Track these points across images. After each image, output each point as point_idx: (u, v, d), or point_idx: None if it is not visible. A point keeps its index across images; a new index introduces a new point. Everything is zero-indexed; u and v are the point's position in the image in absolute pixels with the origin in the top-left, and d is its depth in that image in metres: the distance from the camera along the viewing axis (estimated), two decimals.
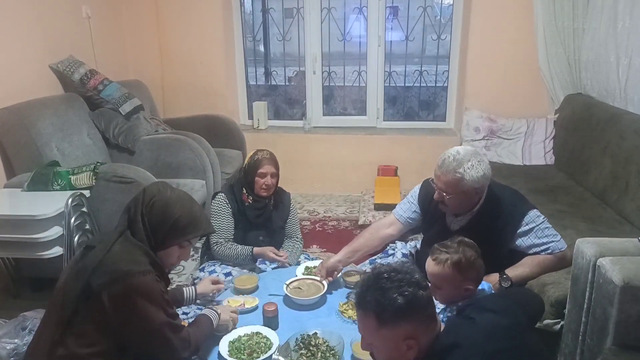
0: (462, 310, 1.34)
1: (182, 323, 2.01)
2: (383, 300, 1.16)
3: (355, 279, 2.11)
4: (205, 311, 1.73)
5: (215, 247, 2.36)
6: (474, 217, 1.93)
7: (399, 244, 2.36)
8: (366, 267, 2.35)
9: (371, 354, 1.26)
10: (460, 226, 1.96)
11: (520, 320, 1.29)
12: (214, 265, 2.36)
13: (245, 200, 2.38)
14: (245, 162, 2.43)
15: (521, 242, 1.89)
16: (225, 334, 1.75)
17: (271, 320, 1.82)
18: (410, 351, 1.18)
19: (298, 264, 2.36)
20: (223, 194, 2.41)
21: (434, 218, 2.03)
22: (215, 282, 2.01)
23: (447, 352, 1.15)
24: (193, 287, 1.96)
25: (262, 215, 2.41)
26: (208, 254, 2.44)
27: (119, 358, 1.45)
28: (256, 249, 2.32)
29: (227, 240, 2.38)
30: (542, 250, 1.88)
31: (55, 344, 1.39)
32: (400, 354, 1.18)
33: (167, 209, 1.52)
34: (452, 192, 1.82)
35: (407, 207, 2.13)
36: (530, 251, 1.89)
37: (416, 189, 2.14)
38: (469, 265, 1.55)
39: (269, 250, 2.29)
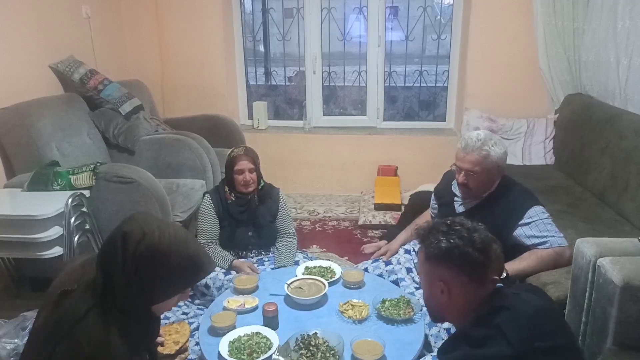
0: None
1: (182, 323, 2.02)
2: (432, 239, 1.30)
3: (355, 278, 2.11)
4: None
5: None
6: (481, 202, 2.01)
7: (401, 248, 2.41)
8: (367, 265, 2.37)
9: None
10: (466, 208, 2.05)
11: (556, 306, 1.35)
12: None
13: (228, 198, 2.40)
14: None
15: (522, 231, 1.91)
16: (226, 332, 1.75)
17: (271, 320, 1.82)
18: (442, 295, 1.28)
19: (297, 263, 2.37)
20: (208, 195, 2.47)
21: (444, 202, 2.17)
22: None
23: (495, 312, 1.20)
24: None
25: (246, 212, 2.42)
26: None
27: None
28: (235, 262, 2.34)
29: (211, 241, 2.40)
30: (540, 243, 1.90)
31: None
32: (434, 292, 1.31)
33: (161, 258, 1.19)
34: (479, 169, 1.92)
35: (433, 202, 2.35)
36: (529, 242, 1.90)
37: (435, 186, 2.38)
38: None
39: (246, 266, 2.31)
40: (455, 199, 2.11)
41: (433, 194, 2.36)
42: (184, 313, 2.31)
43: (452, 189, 2.12)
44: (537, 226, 1.90)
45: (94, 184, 2.46)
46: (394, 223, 3.42)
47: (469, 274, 1.26)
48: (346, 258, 3.03)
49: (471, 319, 1.24)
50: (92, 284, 1.23)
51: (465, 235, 1.27)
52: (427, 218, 2.45)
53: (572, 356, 1.25)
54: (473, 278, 1.27)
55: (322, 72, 4.31)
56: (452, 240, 1.27)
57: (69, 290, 1.23)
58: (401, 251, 2.33)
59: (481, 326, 1.20)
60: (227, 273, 2.30)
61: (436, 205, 2.31)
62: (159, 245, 1.19)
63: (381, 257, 2.38)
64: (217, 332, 1.79)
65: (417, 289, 2.15)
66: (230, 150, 2.48)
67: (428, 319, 1.86)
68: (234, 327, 1.80)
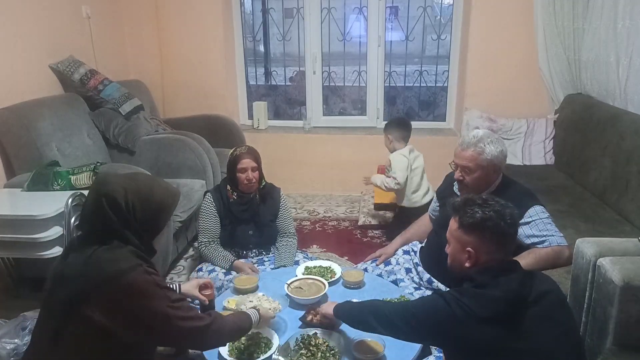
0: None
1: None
2: (467, 210, 1.42)
3: (355, 278, 2.11)
4: (248, 310, 1.67)
5: (201, 247, 2.42)
6: None
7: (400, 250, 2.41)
8: (367, 265, 2.37)
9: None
10: None
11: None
12: (213, 264, 2.37)
13: (230, 197, 2.41)
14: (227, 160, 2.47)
15: (521, 231, 1.91)
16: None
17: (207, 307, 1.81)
18: (468, 260, 1.42)
19: (297, 263, 2.37)
20: (210, 194, 2.47)
21: (445, 201, 2.15)
22: (203, 287, 1.84)
23: (503, 271, 1.37)
24: (178, 284, 1.81)
25: (247, 210, 2.43)
26: (205, 254, 2.45)
27: (129, 357, 1.36)
28: (236, 262, 2.33)
29: (212, 240, 2.41)
30: (539, 242, 1.89)
31: None
32: (461, 258, 1.44)
33: (149, 201, 1.39)
34: (473, 166, 1.94)
35: (434, 201, 2.39)
36: (529, 241, 1.90)
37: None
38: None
39: (247, 266, 2.31)
40: (457, 198, 2.11)
41: (435, 195, 2.37)
42: None
43: (454, 189, 2.12)
44: (536, 225, 1.90)
45: None
46: None
47: (496, 243, 1.39)
48: (346, 258, 3.03)
49: (482, 268, 1.39)
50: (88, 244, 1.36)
51: (499, 209, 1.40)
52: (424, 222, 2.44)
53: (572, 336, 1.38)
54: (499, 248, 1.40)
55: (322, 72, 4.31)
56: (487, 212, 1.39)
57: (65, 253, 1.39)
58: (400, 252, 2.33)
59: (487, 275, 1.36)
60: (227, 273, 2.30)
61: (438, 207, 2.31)
62: (141, 191, 1.39)
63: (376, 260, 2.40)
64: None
65: (416, 289, 2.16)
66: (233, 149, 2.48)
67: None
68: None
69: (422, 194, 3.09)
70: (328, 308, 1.73)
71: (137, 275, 1.29)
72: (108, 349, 1.31)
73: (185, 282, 1.94)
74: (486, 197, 1.47)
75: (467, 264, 1.42)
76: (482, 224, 1.39)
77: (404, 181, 3.02)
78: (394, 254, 2.36)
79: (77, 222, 2.31)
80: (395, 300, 1.92)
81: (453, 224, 1.48)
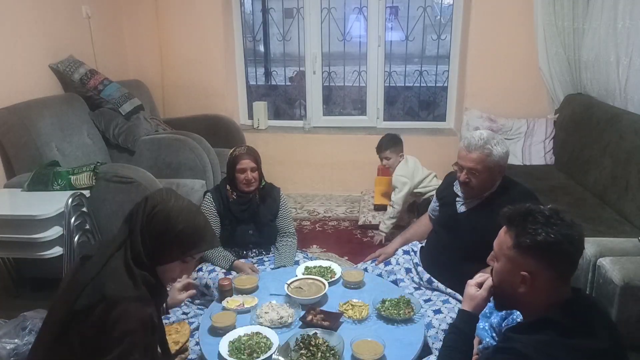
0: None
1: (182, 323, 2.02)
2: (528, 227, 1.19)
3: (355, 278, 2.11)
4: None
5: None
6: (482, 202, 2.01)
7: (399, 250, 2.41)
8: (367, 265, 2.37)
9: (491, 271, 1.32)
10: (467, 208, 2.05)
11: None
12: (213, 264, 2.37)
13: (229, 197, 2.41)
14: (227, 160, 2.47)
15: None
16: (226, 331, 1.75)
17: (225, 294, 1.96)
18: (522, 285, 1.20)
19: (297, 263, 2.37)
20: (210, 193, 2.48)
21: (445, 203, 2.18)
22: (186, 288, 1.79)
23: (586, 308, 1.18)
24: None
25: (247, 210, 2.43)
26: (205, 254, 2.45)
27: None
28: (236, 262, 2.34)
29: None
30: None
31: None
32: (513, 281, 1.22)
33: (170, 220, 1.38)
34: (481, 168, 1.93)
35: (434, 202, 2.36)
36: None
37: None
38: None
39: (247, 266, 2.31)
40: (457, 199, 2.11)
41: (435, 196, 2.37)
42: (184, 313, 2.31)
43: (454, 189, 2.12)
44: None
45: (94, 184, 2.46)
46: None
47: (559, 270, 1.19)
48: (346, 258, 3.03)
49: (554, 309, 1.18)
50: (110, 242, 1.40)
51: (567, 232, 1.18)
52: (424, 222, 2.43)
53: None
54: (562, 275, 1.20)
55: (322, 72, 4.31)
56: (552, 235, 1.17)
57: (89, 256, 1.40)
58: (400, 252, 2.33)
59: (575, 317, 1.15)
60: (227, 273, 2.29)
61: (437, 207, 2.31)
62: (171, 209, 1.39)
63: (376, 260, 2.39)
64: (217, 332, 1.79)
65: (416, 289, 2.15)
66: (232, 149, 2.49)
67: (427, 319, 1.87)
68: (234, 327, 1.80)
69: (430, 179, 3.20)
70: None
71: (131, 308, 1.26)
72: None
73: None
74: (550, 212, 1.22)
75: (520, 290, 1.21)
76: (545, 248, 1.17)
77: (401, 204, 3.14)
78: (394, 254, 2.35)
79: (77, 222, 2.31)
80: (395, 300, 1.92)
81: (506, 239, 1.25)
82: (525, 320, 1.27)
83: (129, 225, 1.39)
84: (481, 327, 1.52)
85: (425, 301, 2.03)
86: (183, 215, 1.40)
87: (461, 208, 2.09)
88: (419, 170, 3.20)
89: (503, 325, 1.44)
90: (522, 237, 1.19)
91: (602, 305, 1.28)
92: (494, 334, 1.47)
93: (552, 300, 1.19)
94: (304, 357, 1.60)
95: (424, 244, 2.31)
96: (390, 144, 3.24)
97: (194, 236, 1.41)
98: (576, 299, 1.19)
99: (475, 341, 1.56)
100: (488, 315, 1.53)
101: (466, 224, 2.04)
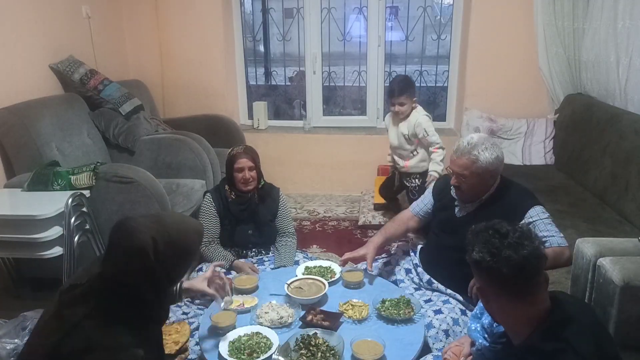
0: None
1: (182, 323, 2.02)
2: (473, 244, 1.22)
3: (355, 278, 2.11)
4: None
5: (201, 246, 2.39)
6: (481, 205, 1.99)
7: (400, 243, 2.41)
8: (367, 266, 2.37)
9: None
10: (466, 212, 2.03)
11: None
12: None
13: (228, 196, 2.41)
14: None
15: None
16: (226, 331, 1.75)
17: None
18: (484, 299, 1.25)
19: (297, 263, 2.37)
20: (209, 194, 2.49)
21: (444, 206, 2.15)
22: (212, 281, 1.78)
23: (560, 325, 1.15)
24: (180, 284, 1.68)
25: (246, 210, 2.43)
26: (205, 254, 2.45)
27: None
28: (236, 262, 2.34)
29: (212, 240, 2.41)
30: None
31: None
32: (480, 295, 1.26)
33: (179, 248, 1.30)
34: (468, 174, 1.91)
35: (423, 202, 2.27)
36: None
37: (433, 185, 2.33)
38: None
39: (247, 266, 2.31)
40: (456, 202, 2.09)
41: (431, 194, 2.33)
42: (184, 313, 2.30)
43: (452, 193, 2.10)
44: (537, 226, 1.90)
45: (94, 184, 2.46)
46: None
47: (502, 288, 1.18)
48: None
49: (535, 333, 1.17)
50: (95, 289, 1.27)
51: (494, 251, 1.17)
52: (404, 220, 2.30)
53: None
54: (512, 294, 1.18)
55: (322, 72, 4.31)
56: (480, 254, 1.18)
57: (74, 285, 1.29)
58: (400, 252, 2.33)
59: (549, 340, 1.13)
60: (227, 273, 2.29)
61: (431, 209, 2.24)
62: (172, 238, 1.28)
63: (380, 256, 2.39)
64: (217, 332, 1.79)
65: (416, 289, 2.15)
66: (231, 149, 2.49)
67: (427, 320, 1.87)
68: (234, 327, 1.80)
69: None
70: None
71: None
72: None
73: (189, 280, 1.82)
74: (507, 229, 1.21)
75: (487, 306, 1.25)
76: (477, 266, 1.21)
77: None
78: (394, 249, 2.35)
79: (77, 222, 2.30)
80: (395, 300, 1.92)
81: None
82: (514, 342, 1.25)
83: (128, 282, 1.26)
84: (473, 328, 1.53)
85: (426, 301, 2.02)
86: (178, 232, 1.32)
87: (460, 212, 2.07)
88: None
89: (494, 326, 1.45)
90: (468, 252, 1.24)
91: (585, 309, 1.25)
92: (486, 335, 1.48)
93: (526, 320, 1.18)
94: (304, 357, 1.60)
95: (424, 245, 2.31)
96: (405, 89, 2.98)
97: (198, 238, 1.40)
98: (554, 313, 1.16)
99: (467, 341, 1.57)
100: (479, 316, 1.54)
101: (466, 228, 2.02)
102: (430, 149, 3.05)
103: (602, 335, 1.18)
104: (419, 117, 3.03)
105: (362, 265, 2.40)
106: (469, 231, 1.30)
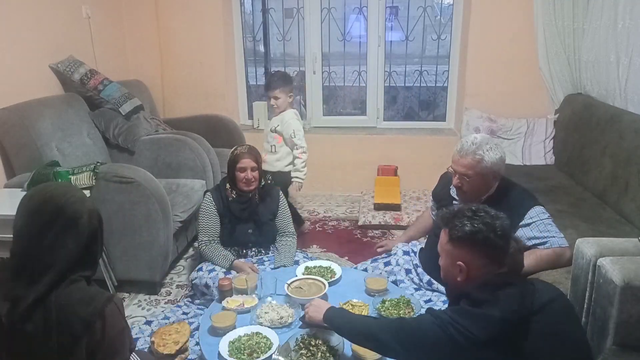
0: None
1: (182, 323, 2.02)
2: (456, 222, 1.39)
3: (379, 285, 2.07)
4: None
5: (201, 246, 2.42)
6: None
7: (400, 243, 2.41)
8: (367, 265, 2.37)
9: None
10: None
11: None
12: (213, 264, 2.37)
13: (229, 196, 2.41)
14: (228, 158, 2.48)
15: (522, 233, 1.90)
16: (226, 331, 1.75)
17: (226, 294, 2.00)
18: (460, 274, 1.39)
19: (297, 263, 2.37)
20: (209, 193, 2.49)
21: (443, 207, 2.13)
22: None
23: (502, 285, 1.33)
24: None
25: (247, 209, 2.44)
26: (205, 254, 2.46)
27: None
28: (236, 262, 2.34)
29: (212, 239, 2.42)
30: (541, 244, 1.89)
31: None
32: (453, 272, 1.41)
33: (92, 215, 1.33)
34: (472, 174, 1.92)
35: (431, 202, 2.36)
36: (530, 243, 1.90)
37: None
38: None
39: (247, 266, 2.31)
40: (454, 202, 2.10)
41: (431, 196, 2.36)
42: (184, 313, 2.31)
43: (451, 193, 2.10)
44: (537, 227, 1.90)
45: (94, 184, 2.46)
46: (393, 223, 3.43)
47: (488, 256, 1.37)
48: (346, 258, 3.03)
49: (480, 283, 1.35)
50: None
51: (489, 221, 1.36)
52: (425, 217, 2.44)
53: (579, 347, 1.34)
54: (492, 261, 1.37)
55: (322, 72, 4.31)
56: (476, 225, 1.36)
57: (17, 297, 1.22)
58: (400, 252, 2.33)
59: (485, 292, 1.31)
60: (227, 273, 2.30)
61: (435, 208, 2.31)
62: (90, 207, 1.34)
63: (380, 257, 2.39)
64: (217, 332, 1.79)
65: (416, 290, 2.15)
66: (233, 148, 2.49)
67: None
68: (234, 327, 1.80)
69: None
70: (316, 313, 1.63)
71: (113, 312, 1.25)
72: None
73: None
74: (476, 207, 1.42)
75: (459, 279, 1.39)
76: (472, 237, 1.36)
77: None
78: (395, 250, 2.35)
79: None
80: (395, 300, 1.92)
81: (443, 236, 1.45)
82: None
83: (78, 250, 1.28)
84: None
85: (426, 302, 2.03)
86: (87, 199, 1.38)
87: None
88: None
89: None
90: (453, 231, 1.39)
91: (550, 289, 1.41)
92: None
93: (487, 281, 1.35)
94: (304, 357, 1.60)
95: (423, 245, 2.31)
96: (280, 83, 2.99)
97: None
98: (499, 279, 1.35)
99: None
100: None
101: None
102: (295, 152, 3.02)
103: (561, 313, 1.34)
104: (292, 119, 3.02)
105: (361, 266, 2.41)
106: (440, 216, 1.49)
